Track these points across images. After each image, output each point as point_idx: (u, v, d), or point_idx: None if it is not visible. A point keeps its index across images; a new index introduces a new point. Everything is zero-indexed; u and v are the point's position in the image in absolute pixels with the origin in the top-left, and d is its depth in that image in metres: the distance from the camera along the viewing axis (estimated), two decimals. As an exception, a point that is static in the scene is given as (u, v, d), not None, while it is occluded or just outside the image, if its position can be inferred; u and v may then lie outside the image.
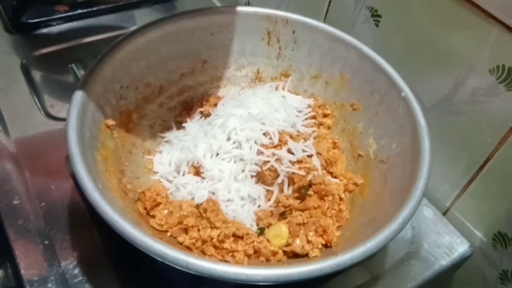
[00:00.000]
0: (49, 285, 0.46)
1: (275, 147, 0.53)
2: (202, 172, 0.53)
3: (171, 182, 0.54)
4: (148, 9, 0.81)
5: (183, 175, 0.54)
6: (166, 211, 0.49)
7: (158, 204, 0.49)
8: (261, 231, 0.48)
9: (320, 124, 0.60)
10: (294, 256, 0.47)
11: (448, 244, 0.56)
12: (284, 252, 0.47)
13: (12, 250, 0.48)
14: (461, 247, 0.56)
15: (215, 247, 0.46)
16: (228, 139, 0.54)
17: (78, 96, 0.47)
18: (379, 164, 0.54)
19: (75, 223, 0.51)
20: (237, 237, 0.46)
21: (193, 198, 0.51)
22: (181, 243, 0.46)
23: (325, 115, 0.61)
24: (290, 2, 0.75)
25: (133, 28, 0.56)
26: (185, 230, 0.47)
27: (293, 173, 0.51)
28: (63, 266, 0.47)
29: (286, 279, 0.38)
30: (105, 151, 0.50)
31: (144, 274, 0.48)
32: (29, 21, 0.74)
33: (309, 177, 0.52)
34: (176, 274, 0.47)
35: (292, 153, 0.53)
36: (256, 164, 0.52)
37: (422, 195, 0.44)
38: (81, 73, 0.67)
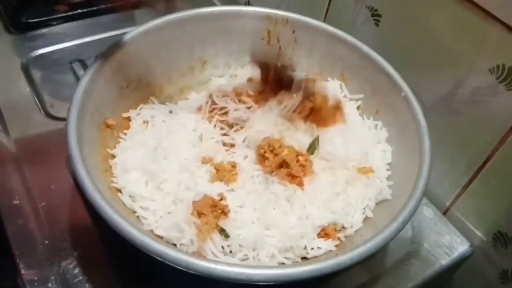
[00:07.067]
0: (49, 285, 0.46)
1: None
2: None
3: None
4: (148, 9, 0.81)
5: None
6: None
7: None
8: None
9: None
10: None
11: (448, 244, 0.56)
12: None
13: (12, 250, 0.48)
14: (461, 247, 0.56)
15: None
16: None
17: (78, 96, 0.47)
18: (379, 164, 0.53)
19: (75, 223, 0.51)
20: None
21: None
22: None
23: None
24: (290, 2, 0.75)
25: (133, 28, 0.56)
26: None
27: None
28: (63, 266, 0.47)
29: (286, 279, 0.38)
30: (105, 151, 0.50)
31: (144, 274, 0.48)
32: (29, 21, 0.74)
33: None
34: (176, 274, 0.47)
35: None
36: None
37: (422, 194, 0.44)
38: (81, 72, 0.67)
